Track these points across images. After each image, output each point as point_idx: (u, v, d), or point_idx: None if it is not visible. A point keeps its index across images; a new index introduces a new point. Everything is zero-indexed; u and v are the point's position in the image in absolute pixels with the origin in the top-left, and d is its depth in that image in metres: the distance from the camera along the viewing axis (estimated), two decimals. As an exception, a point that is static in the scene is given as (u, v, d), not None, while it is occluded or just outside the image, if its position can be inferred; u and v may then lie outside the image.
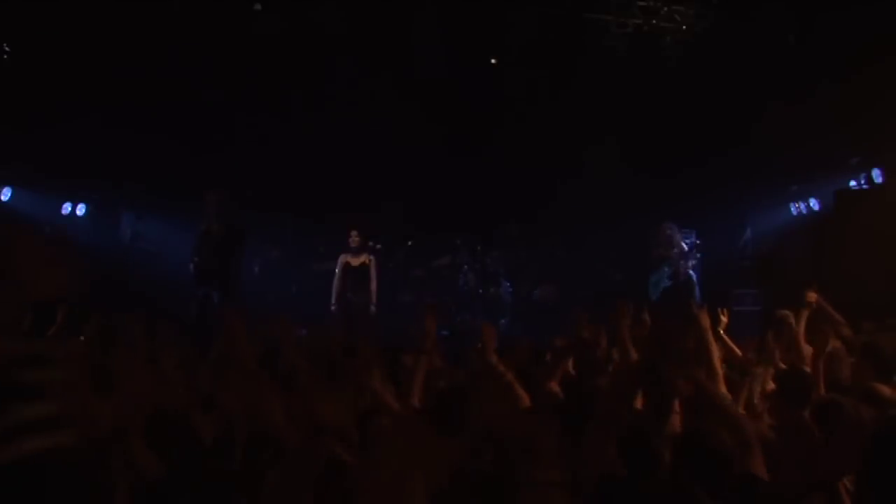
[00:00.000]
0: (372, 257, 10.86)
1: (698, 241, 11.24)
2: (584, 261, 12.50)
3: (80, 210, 10.67)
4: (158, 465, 2.61)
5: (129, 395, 2.99)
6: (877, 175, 9.51)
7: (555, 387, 4.21)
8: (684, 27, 11.00)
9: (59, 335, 5.78)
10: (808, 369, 4.71)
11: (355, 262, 10.78)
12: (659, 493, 2.88)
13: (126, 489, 2.53)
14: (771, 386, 4.84)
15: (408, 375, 4.03)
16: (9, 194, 9.80)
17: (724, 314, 5.71)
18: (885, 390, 4.28)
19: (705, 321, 4.26)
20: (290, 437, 3.11)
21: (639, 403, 3.64)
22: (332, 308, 10.64)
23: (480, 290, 12.20)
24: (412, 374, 3.92)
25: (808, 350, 5.09)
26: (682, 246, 10.51)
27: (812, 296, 5.36)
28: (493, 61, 11.84)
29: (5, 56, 9.74)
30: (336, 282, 10.81)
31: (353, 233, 10.70)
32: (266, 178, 12.05)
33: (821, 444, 3.46)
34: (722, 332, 5.56)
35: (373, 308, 10.58)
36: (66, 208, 10.52)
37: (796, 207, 11.03)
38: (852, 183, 9.93)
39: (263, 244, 11.89)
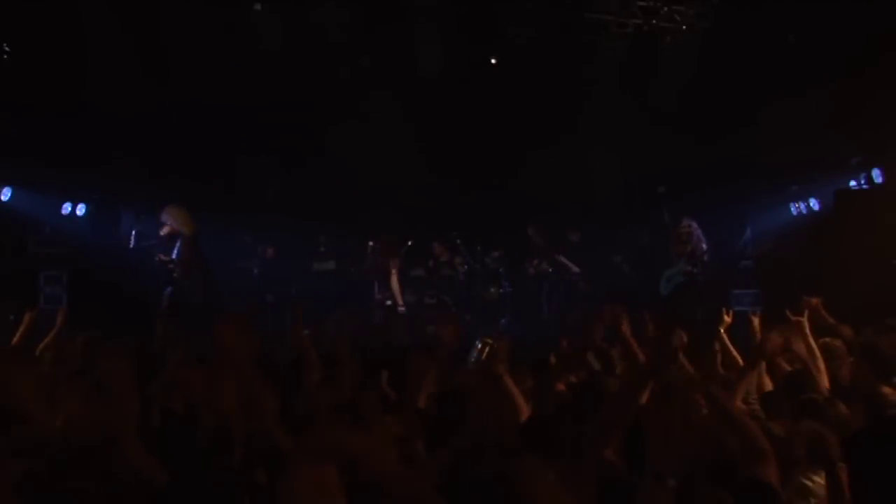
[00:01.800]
0: None
1: None
2: (586, 259, 12.48)
3: (80, 210, 10.66)
4: (160, 469, 2.61)
5: (119, 402, 3.00)
6: (877, 175, 9.51)
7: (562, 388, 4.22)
8: (684, 27, 11.00)
9: (58, 337, 5.78)
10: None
11: None
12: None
13: (129, 494, 2.54)
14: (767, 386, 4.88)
15: (413, 377, 4.04)
16: (9, 194, 9.80)
17: (728, 315, 5.72)
18: (887, 391, 4.28)
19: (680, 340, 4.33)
20: (281, 437, 3.12)
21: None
22: (402, 310, 11.32)
23: (481, 291, 12.20)
24: (419, 377, 3.94)
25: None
26: (701, 246, 10.50)
27: (813, 301, 5.35)
28: (493, 61, 11.83)
29: (5, 56, 9.74)
30: (399, 287, 11.41)
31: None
32: (265, 177, 12.06)
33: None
34: (723, 332, 5.56)
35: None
36: (66, 208, 10.51)
37: (796, 207, 11.03)
38: (852, 183, 9.93)
39: (259, 244, 11.90)
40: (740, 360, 5.29)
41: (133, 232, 9.74)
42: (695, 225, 10.47)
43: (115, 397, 3.39)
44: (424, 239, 12.23)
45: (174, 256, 9.52)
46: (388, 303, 11.57)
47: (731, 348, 5.52)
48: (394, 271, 11.45)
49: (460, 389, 4.10)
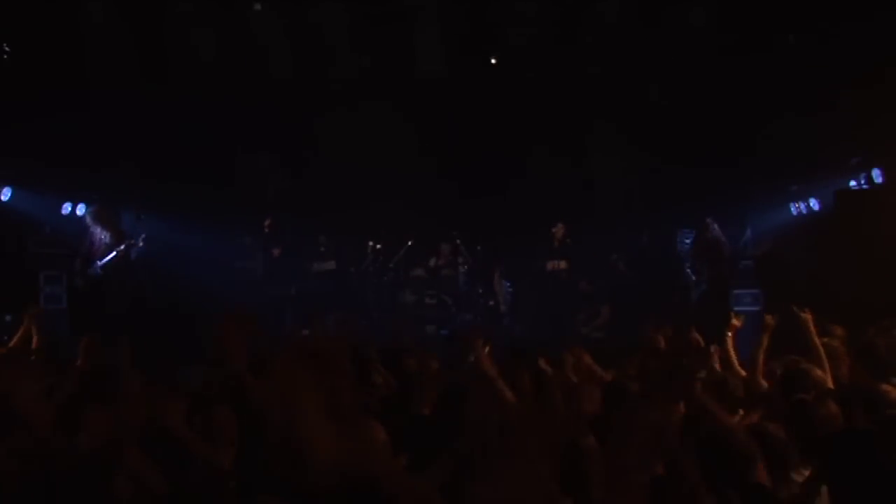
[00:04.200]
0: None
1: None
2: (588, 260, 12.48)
3: (80, 210, 10.66)
4: (160, 477, 2.62)
5: (124, 408, 3.01)
6: (877, 175, 9.50)
7: None
8: (684, 27, 10.99)
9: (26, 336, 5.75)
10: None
11: None
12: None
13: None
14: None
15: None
16: (9, 194, 9.81)
17: (737, 319, 5.71)
18: (886, 390, 4.28)
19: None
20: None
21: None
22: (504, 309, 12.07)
23: (481, 290, 12.20)
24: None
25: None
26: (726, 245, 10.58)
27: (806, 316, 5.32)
28: (493, 61, 11.82)
29: (5, 56, 9.75)
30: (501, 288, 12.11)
31: None
32: (266, 177, 12.07)
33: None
34: (731, 335, 5.56)
35: None
36: (66, 208, 10.52)
37: (796, 207, 11.02)
38: (852, 183, 9.92)
39: (266, 243, 11.91)
40: (741, 372, 5.30)
41: (142, 236, 9.77)
42: (716, 227, 10.58)
43: (119, 402, 3.40)
44: (425, 239, 12.25)
45: (102, 261, 9.53)
46: (491, 303, 11.91)
47: (732, 353, 5.52)
48: (496, 273, 11.94)
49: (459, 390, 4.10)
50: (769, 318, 5.51)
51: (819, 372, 4.79)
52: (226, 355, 3.92)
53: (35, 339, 5.38)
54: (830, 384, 4.74)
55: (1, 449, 2.64)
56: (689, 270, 11.14)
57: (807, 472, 3.29)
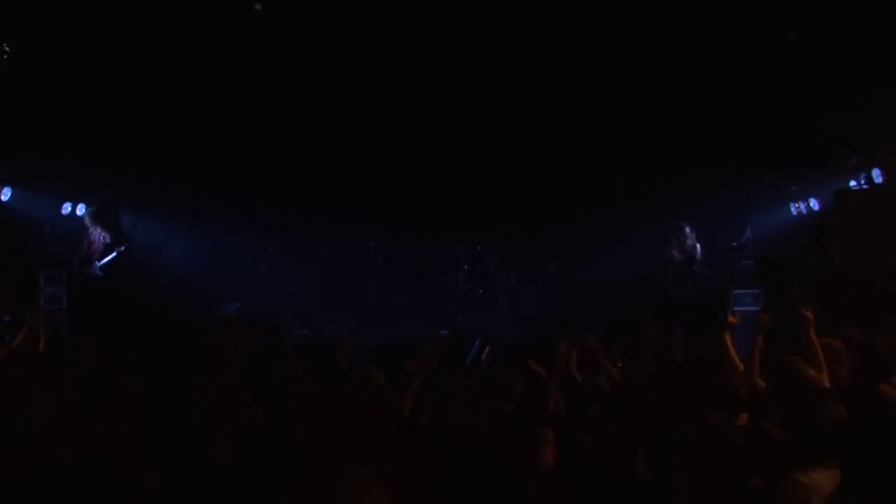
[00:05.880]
0: None
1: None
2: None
3: (80, 210, 10.67)
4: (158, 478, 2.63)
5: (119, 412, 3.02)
6: (877, 175, 9.52)
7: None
8: (684, 25, 10.98)
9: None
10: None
11: None
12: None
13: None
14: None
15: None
16: (9, 194, 9.82)
17: (734, 317, 5.72)
18: (888, 391, 4.28)
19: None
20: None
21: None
22: None
23: (480, 290, 12.21)
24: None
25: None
26: (697, 248, 10.60)
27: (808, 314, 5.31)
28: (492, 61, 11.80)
29: (5, 56, 9.75)
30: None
31: None
32: (267, 176, 12.07)
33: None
34: (728, 333, 5.57)
35: None
36: (66, 208, 10.53)
37: (796, 207, 11.04)
38: (852, 183, 9.94)
39: (262, 241, 11.93)
40: (740, 365, 5.30)
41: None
42: (689, 229, 10.59)
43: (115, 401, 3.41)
44: (426, 240, 12.25)
45: (101, 262, 9.54)
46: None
47: (733, 352, 5.53)
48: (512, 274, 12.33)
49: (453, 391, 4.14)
50: (765, 317, 5.51)
51: (813, 372, 4.79)
52: (221, 363, 3.95)
53: (41, 342, 5.39)
54: (826, 383, 4.74)
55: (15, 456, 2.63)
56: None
57: (812, 473, 3.28)
